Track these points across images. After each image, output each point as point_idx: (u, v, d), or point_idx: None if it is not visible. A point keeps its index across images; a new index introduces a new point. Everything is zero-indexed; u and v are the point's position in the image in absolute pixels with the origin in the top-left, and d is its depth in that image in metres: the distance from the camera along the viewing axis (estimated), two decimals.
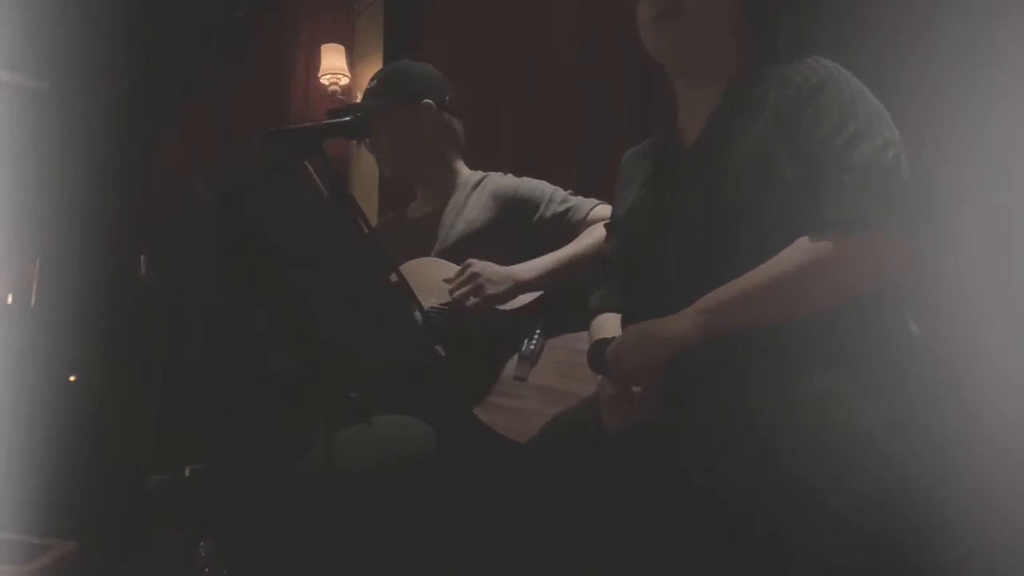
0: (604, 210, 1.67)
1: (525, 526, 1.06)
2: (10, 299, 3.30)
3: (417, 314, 1.21)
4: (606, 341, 1.12)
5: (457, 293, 1.56)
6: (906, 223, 1.02)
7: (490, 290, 1.55)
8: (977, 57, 1.59)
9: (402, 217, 1.94)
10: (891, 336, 1.05)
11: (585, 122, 2.62)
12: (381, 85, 1.81)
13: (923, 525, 0.94)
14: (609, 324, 1.31)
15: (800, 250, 1.03)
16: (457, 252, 1.71)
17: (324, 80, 3.77)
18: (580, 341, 1.53)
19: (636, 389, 1.07)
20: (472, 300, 1.56)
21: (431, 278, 1.65)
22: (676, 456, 0.99)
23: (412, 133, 1.80)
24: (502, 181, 1.80)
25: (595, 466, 1.06)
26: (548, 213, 1.71)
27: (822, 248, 1.02)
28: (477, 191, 1.79)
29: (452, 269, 1.66)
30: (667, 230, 1.17)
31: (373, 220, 3.44)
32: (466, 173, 1.87)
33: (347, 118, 1.35)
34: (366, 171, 3.64)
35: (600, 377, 1.14)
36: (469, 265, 1.58)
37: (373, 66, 3.74)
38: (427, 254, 1.74)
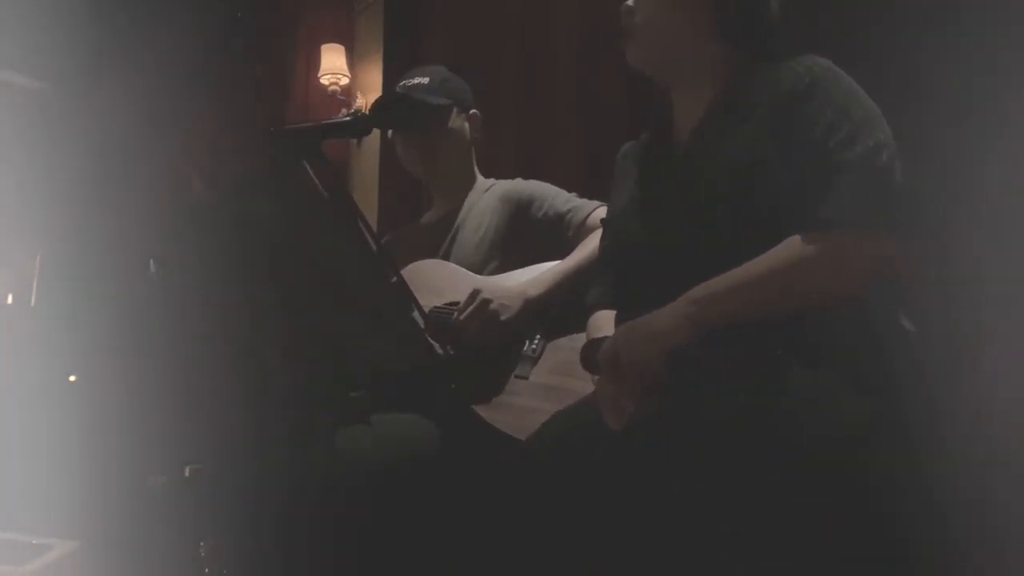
0: (605, 212, 1.67)
1: (527, 524, 1.06)
2: (10, 299, 3.30)
3: (416, 315, 1.21)
4: (599, 341, 1.12)
5: (472, 324, 1.55)
6: (899, 224, 1.03)
7: (504, 315, 1.55)
8: (975, 54, 1.59)
9: (417, 223, 1.96)
10: (883, 333, 1.05)
11: (585, 122, 2.63)
12: (438, 86, 1.81)
13: (913, 521, 0.94)
14: (606, 321, 1.32)
15: (791, 247, 1.04)
16: (466, 254, 1.72)
17: (324, 80, 3.77)
18: (580, 342, 1.53)
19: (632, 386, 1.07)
20: (488, 329, 1.55)
21: (438, 279, 1.66)
22: (669, 453, 1.00)
23: (460, 140, 1.85)
24: (510, 184, 1.84)
25: (596, 463, 1.06)
26: (551, 212, 1.72)
27: (814, 245, 1.03)
28: (487, 195, 1.83)
29: (457, 270, 1.68)
30: (659, 229, 1.17)
31: (373, 220, 3.43)
32: (480, 179, 1.91)
33: (349, 118, 1.35)
34: (366, 171, 3.64)
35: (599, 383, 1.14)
36: (478, 292, 1.56)
37: (373, 66, 3.74)
38: (438, 257, 1.75)
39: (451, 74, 1.89)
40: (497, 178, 1.92)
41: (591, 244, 1.63)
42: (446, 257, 1.76)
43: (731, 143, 1.12)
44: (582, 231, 1.68)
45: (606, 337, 1.11)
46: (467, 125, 1.86)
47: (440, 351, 1.36)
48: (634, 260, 1.22)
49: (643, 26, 1.21)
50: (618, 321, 1.28)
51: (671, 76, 1.26)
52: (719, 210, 1.09)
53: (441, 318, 1.59)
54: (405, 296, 1.26)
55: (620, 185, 1.35)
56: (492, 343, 1.55)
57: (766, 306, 1.04)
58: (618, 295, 1.32)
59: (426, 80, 1.82)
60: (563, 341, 1.57)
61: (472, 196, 1.85)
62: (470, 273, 1.68)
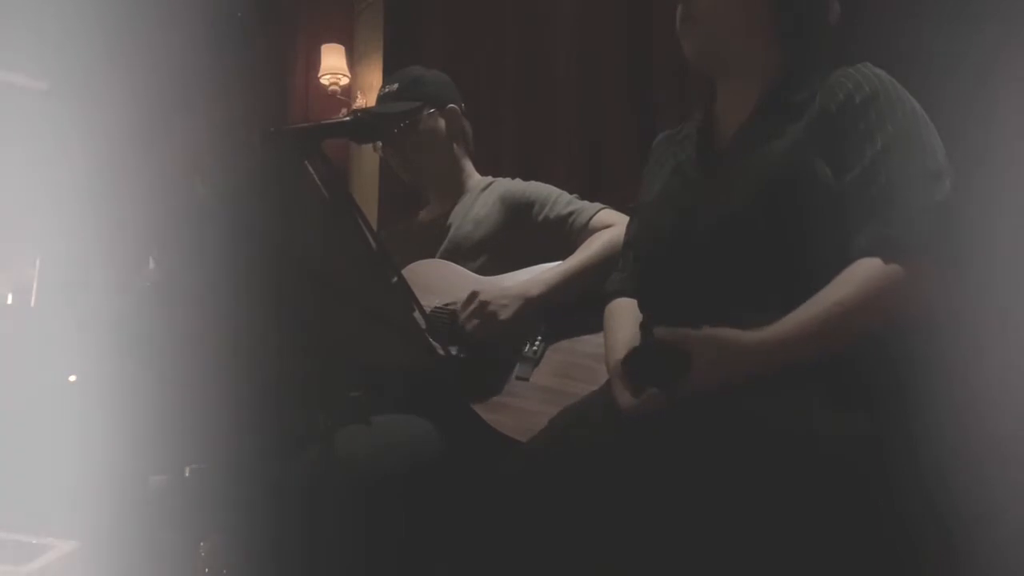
0: (608, 215, 1.67)
1: (528, 524, 1.06)
2: (10, 299, 3.30)
3: (418, 315, 1.21)
4: (652, 350, 1.03)
5: (471, 325, 1.55)
6: (958, 254, 1.01)
7: (503, 315, 1.55)
8: (970, 54, 1.58)
9: (413, 221, 1.95)
10: (883, 337, 1.04)
11: (585, 122, 2.63)
12: (406, 89, 1.80)
13: (916, 524, 0.94)
14: (625, 309, 1.30)
15: (871, 270, 1.00)
16: (464, 253, 1.72)
17: (324, 80, 3.77)
18: (581, 344, 1.54)
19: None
20: (487, 330, 1.54)
21: (436, 279, 1.65)
22: (671, 454, 0.99)
23: (437, 138, 1.82)
24: (510, 185, 1.82)
25: (598, 463, 1.06)
26: (552, 215, 1.71)
27: (892, 271, 0.99)
28: (485, 194, 1.81)
29: (458, 270, 1.67)
30: (691, 225, 1.16)
31: (373, 220, 3.43)
32: (476, 177, 1.89)
33: (349, 118, 1.35)
34: (366, 171, 3.64)
35: (615, 367, 1.13)
36: (476, 294, 1.56)
37: (373, 66, 3.75)
38: (436, 256, 1.75)
39: (426, 72, 1.86)
40: (496, 176, 1.91)
41: (593, 245, 1.63)
42: (442, 256, 1.75)
43: (776, 146, 1.09)
44: (584, 234, 1.67)
45: (646, 346, 1.04)
46: (442, 121, 1.83)
47: (441, 352, 1.36)
48: (660, 253, 1.20)
49: (709, 12, 1.18)
50: (641, 310, 1.26)
51: (723, 68, 1.22)
52: (756, 213, 1.07)
53: (442, 319, 1.59)
54: (406, 296, 1.26)
55: (654, 173, 1.32)
56: (492, 343, 1.55)
57: (854, 334, 0.99)
58: (640, 286, 1.30)
59: (395, 87, 1.81)
60: (564, 343, 1.56)
61: (468, 194, 1.84)
62: (471, 273, 1.67)
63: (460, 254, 1.72)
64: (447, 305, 1.60)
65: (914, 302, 1.01)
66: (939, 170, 1.03)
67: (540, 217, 1.71)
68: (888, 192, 1.02)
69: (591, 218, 1.68)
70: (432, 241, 1.78)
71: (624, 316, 1.28)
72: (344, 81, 3.80)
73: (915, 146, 1.04)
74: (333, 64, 3.76)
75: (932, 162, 1.04)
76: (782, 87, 1.17)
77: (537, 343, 1.56)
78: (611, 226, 1.63)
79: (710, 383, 0.98)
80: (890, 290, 0.99)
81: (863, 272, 1.01)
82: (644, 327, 1.17)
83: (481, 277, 1.65)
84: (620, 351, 1.20)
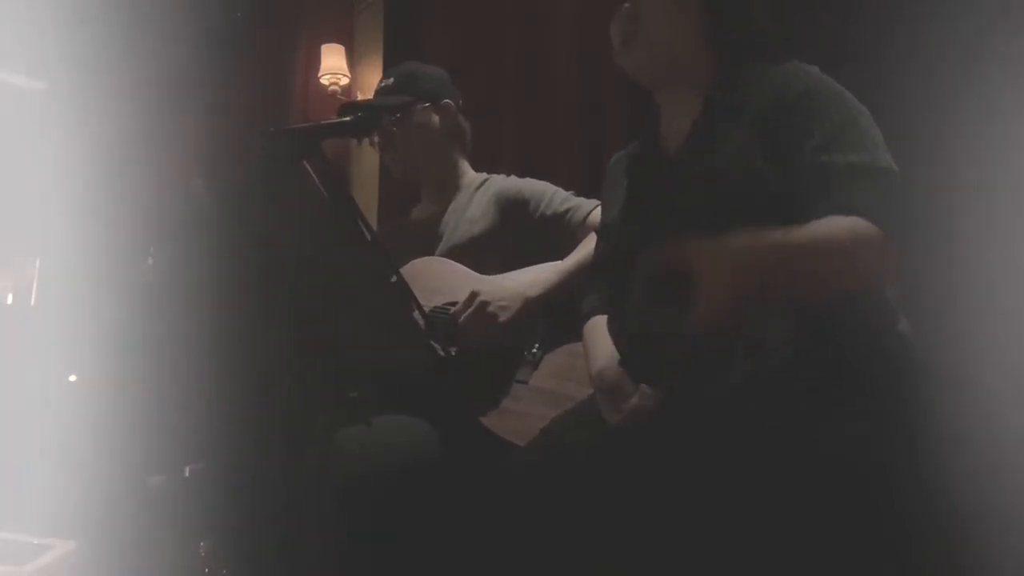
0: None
1: (528, 526, 1.06)
2: (10, 299, 3.30)
3: (417, 315, 1.21)
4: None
5: (472, 326, 1.54)
6: (907, 228, 1.01)
7: (503, 317, 1.54)
8: (963, 55, 1.59)
9: (407, 218, 1.94)
10: (880, 337, 1.04)
11: (585, 122, 2.62)
12: (400, 84, 1.81)
13: (914, 524, 0.94)
14: (602, 325, 1.31)
15: (838, 220, 0.98)
16: (460, 252, 1.71)
17: (324, 80, 3.77)
18: (580, 346, 1.54)
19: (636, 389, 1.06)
20: (488, 332, 1.54)
21: (436, 278, 1.65)
22: (667, 456, 0.99)
23: (430, 133, 1.82)
24: (505, 182, 1.81)
25: (595, 466, 1.06)
26: (548, 212, 1.71)
27: (858, 224, 0.98)
28: (480, 191, 1.80)
29: (457, 268, 1.67)
30: (650, 241, 1.16)
31: (373, 220, 3.43)
32: (471, 174, 1.88)
33: (348, 117, 1.35)
34: (366, 171, 3.64)
35: (596, 378, 1.14)
36: (476, 295, 1.55)
37: (373, 66, 3.74)
38: (431, 254, 1.74)
39: (421, 67, 1.86)
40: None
41: (591, 243, 1.63)
42: (439, 255, 1.75)
43: (721, 154, 1.10)
44: (581, 231, 1.67)
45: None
46: (436, 117, 1.83)
47: (440, 352, 1.36)
48: (626, 271, 1.21)
49: (647, 30, 1.19)
50: (610, 327, 1.27)
51: (667, 81, 1.23)
52: (709, 221, 1.08)
53: (441, 318, 1.58)
54: (405, 296, 1.26)
55: (610, 194, 1.34)
56: (492, 345, 1.54)
57: (824, 263, 0.97)
58: (613, 305, 1.31)
59: (390, 81, 1.82)
60: (563, 346, 1.56)
61: (463, 192, 1.83)
62: (471, 272, 1.67)
63: (457, 253, 1.72)
64: (448, 304, 1.60)
65: (877, 263, 1.00)
66: (874, 158, 1.04)
67: (536, 214, 1.71)
68: (834, 179, 1.02)
69: (588, 214, 1.68)
70: (427, 239, 1.78)
71: (603, 331, 1.28)
72: (344, 81, 3.79)
73: (852, 133, 1.05)
74: (333, 64, 3.76)
75: (871, 145, 1.04)
76: (718, 93, 1.17)
77: (536, 346, 1.56)
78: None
79: (721, 295, 0.90)
80: (855, 238, 0.98)
81: (831, 220, 0.99)
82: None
83: (481, 276, 1.65)
84: (601, 362, 1.20)
